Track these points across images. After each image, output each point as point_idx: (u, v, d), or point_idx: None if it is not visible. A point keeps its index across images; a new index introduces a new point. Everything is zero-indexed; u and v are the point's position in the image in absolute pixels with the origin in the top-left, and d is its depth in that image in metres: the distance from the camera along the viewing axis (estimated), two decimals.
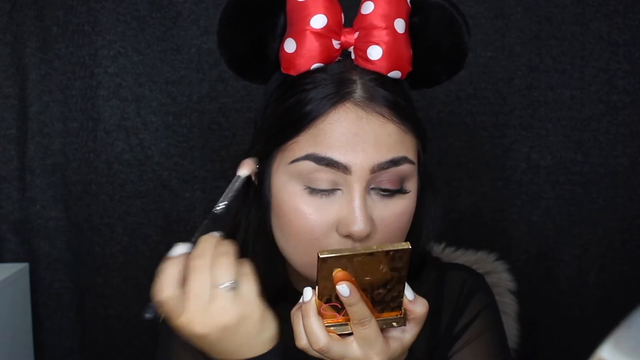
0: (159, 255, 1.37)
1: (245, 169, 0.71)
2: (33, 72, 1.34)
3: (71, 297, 1.40)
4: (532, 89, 1.34)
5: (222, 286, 0.62)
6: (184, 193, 1.37)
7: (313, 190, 0.70)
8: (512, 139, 1.35)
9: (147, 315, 0.63)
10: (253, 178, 0.79)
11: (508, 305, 1.09)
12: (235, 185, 0.70)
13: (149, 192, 1.37)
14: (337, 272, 0.63)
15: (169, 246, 1.16)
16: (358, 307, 0.63)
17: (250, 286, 0.64)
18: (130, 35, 1.33)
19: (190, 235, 1.23)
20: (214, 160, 1.36)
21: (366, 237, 0.70)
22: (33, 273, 1.39)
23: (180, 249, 0.65)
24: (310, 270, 0.73)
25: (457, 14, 0.76)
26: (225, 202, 0.69)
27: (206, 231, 0.67)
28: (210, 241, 0.65)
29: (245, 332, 0.63)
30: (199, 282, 0.62)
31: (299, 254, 0.73)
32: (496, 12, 1.32)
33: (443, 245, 1.13)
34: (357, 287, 0.63)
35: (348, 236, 0.70)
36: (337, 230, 0.71)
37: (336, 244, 0.71)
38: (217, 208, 0.69)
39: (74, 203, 1.37)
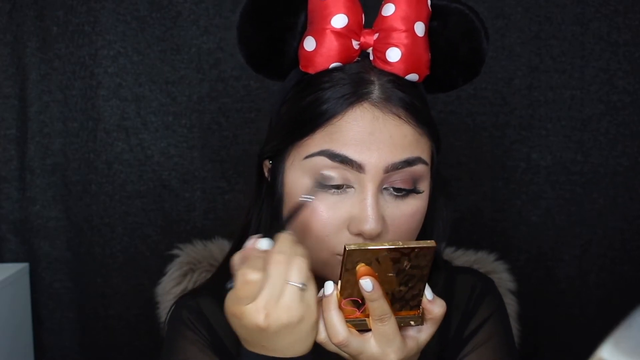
0: (159, 255, 1.38)
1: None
2: (33, 72, 1.34)
3: (71, 297, 1.40)
4: (532, 89, 1.34)
5: (293, 284, 0.63)
6: (184, 193, 1.37)
7: (325, 187, 0.71)
8: (512, 139, 1.35)
9: (230, 286, 0.64)
10: (266, 174, 0.80)
11: (508, 305, 1.08)
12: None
13: (149, 192, 1.37)
14: (361, 267, 0.63)
15: (169, 246, 1.18)
16: (379, 303, 0.64)
17: (313, 291, 0.65)
18: (130, 35, 1.33)
19: (190, 235, 1.24)
20: (214, 160, 1.36)
21: (377, 237, 0.70)
22: (33, 273, 1.38)
23: (266, 243, 0.65)
24: (321, 267, 0.73)
25: (476, 20, 0.77)
26: (312, 197, 0.70)
27: (292, 216, 0.68)
28: (289, 240, 0.65)
29: (298, 333, 0.64)
30: (278, 274, 0.63)
31: (310, 251, 0.73)
32: (496, 12, 1.32)
33: (443, 245, 1.13)
34: (379, 283, 0.64)
35: (359, 234, 0.70)
36: (348, 228, 0.71)
37: (347, 242, 0.71)
38: (306, 198, 0.69)
39: (74, 203, 1.37)
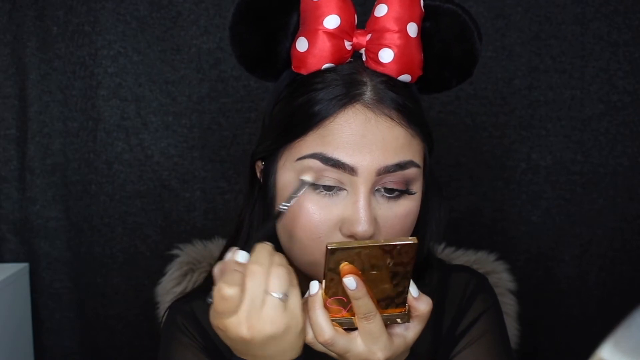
0: (159, 255, 1.39)
1: (309, 175, 0.71)
2: (33, 72, 1.34)
3: (71, 297, 1.40)
4: (532, 89, 1.34)
5: (274, 294, 0.62)
6: (184, 193, 1.37)
7: (317, 188, 0.71)
8: (512, 139, 1.35)
9: (210, 300, 0.63)
10: (258, 175, 0.80)
11: (508, 306, 1.09)
12: (300, 190, 0.70)
13: (149, 192, 1.37)
14: (344, 266, 0.63)
15: (169, 246, 1.18)
16: (364, 301, 0.64)
17: (297, 298, 0.64)
18: (130, 35, 1.33)
19: (190, 235, 1.24)
20: (214, 160, 1.36)
21: (369, 239, 0.70)
22: (33, 273, 1.39)
23: (243, 256, 0.65)
24: (312, 269, 0.73)
25: (469, 21, 0.77)
26: (288, 204, 0.69)
27: (269, 229, 0.68)
28: (267, 249, 0.65)
29: (285, 342, 0.64)
30: (256, 286, 0.62)
31: (302, 252, 0.73)
32: (496, 12, 1.32)
33: (443, 245, 1.13)
34: (363, 281, 0.64)
35: (351, 236, 0.70)
36: (340, 230, 0.71)
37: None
38: (282, 207, 0.69)
39: (74, 203, 1.37)
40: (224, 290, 0.61)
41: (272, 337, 0.62)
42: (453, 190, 1.36)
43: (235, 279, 0.62)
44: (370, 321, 0.64)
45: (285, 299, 0.63)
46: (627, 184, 1.36)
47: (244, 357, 0.66)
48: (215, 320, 0.64)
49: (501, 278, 1.11)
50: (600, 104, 1.34)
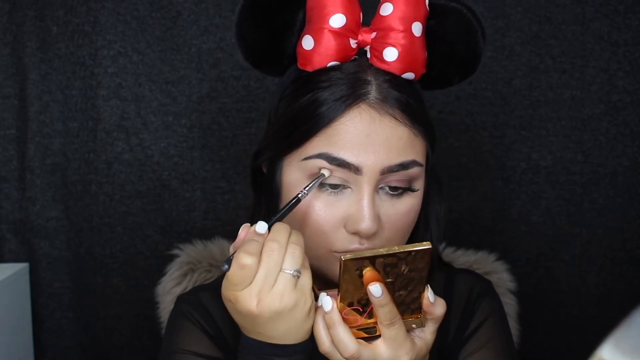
0: (159, 255, 1.38)
1: (327, 170, 0.72)
2: (33, 72, 1.34)
3: (71, 297, 1.40)
4: (532, 89, 1.34)
5: (287, 271, 0.65)
6: (183, 193, 1.37)
7: (323, 186, 0.72)
8: (512, 139, 1.35)
9: (226, 267, 0.65)
10: (264, 170, 0.80)
11: (508, 305, 1.09)
12: (318, 181, 0.72)
13: (149, 192, 1.37)
14: (367, 271, 0.63)
15: (169, 246, 1.18)
16: (389, 308, 0.64)
17: (308, 278, 0.66)
18: (130, 35, 1.33)
19: (190, 235, 1.25)
20: (214, 160, 1.36)
21: (373, 235, 0.72)
22: (33, 273, 1.39)
23: (262, 227, 0.67)
24: (317, 263, 0.74)
25: (473, 19, 0.78)
26: (306, 192, 0.71)
27: (286, 213, 0.70)
28: (286, 228, 0.67)
29: (292, 321, 0.65)
30: (272, 263, 0.64)
31: (307, 247, 0.74)
32: (496, 12, 1.32)
33: (443, 245, 1.13)
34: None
35: (355, 233, 0.72)
36: (345, 227, 0.72)
37: (343, 240, 0.72)
38: (300, 195, 0.71)
39: (74, 203, 1.37)
40: (243, 259, 0.63)
41: (279, 314, 0.64)
42: (453, 190, 1.36)
43: (254, 249, 0.64)
44: (395, 326, 0.65)
45: (297, 275, 0.65)
46: (627, 184, 1.36)
47: (252, 336, 0.67)
48: (227, 291, 0.66)
49: (501, 278, 1.11)
50: (600, 104, 1.34)
